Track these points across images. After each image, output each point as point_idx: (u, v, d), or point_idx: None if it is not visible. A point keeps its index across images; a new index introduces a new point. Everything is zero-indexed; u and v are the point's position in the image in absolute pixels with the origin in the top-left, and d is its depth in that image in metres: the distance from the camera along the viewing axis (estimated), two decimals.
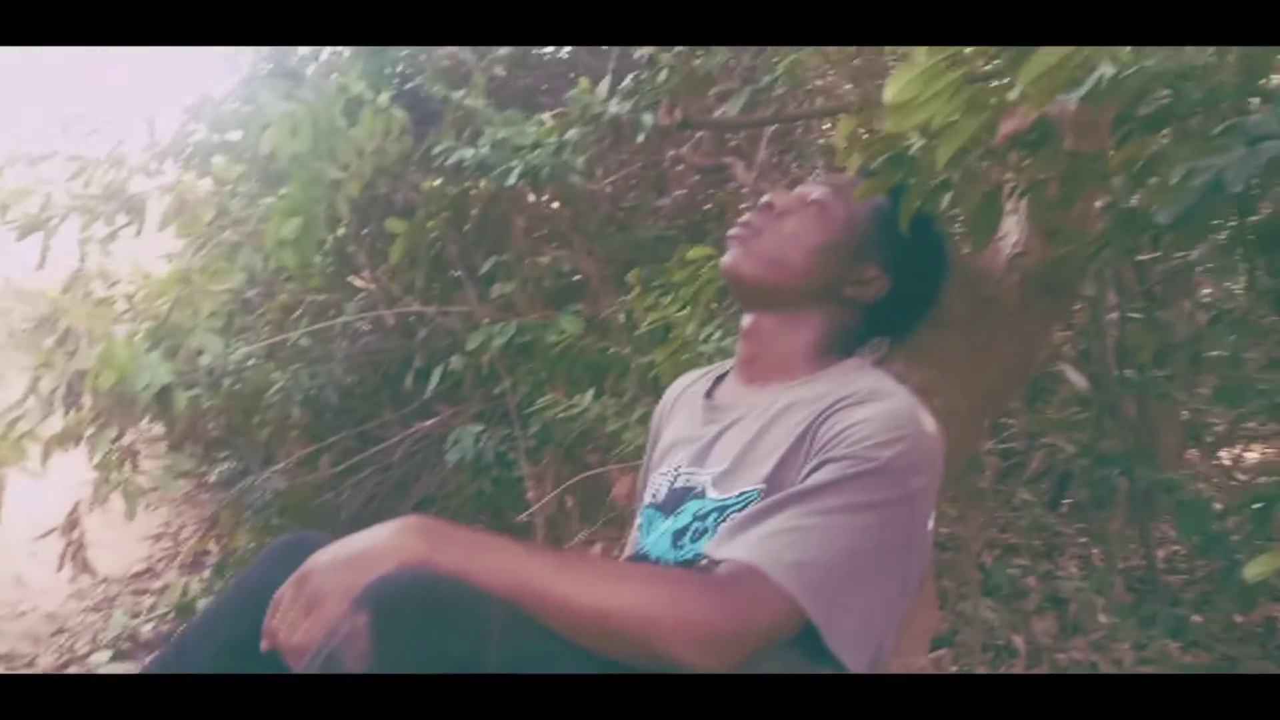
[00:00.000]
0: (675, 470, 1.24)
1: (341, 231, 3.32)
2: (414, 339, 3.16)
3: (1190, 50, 0.98)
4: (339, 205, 2.78)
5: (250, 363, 3.29)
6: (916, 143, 1.15)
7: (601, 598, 0.90)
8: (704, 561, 1.06)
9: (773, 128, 2.74)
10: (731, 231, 1.26)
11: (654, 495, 1.27)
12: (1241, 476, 2.94)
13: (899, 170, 1.18)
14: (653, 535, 1.22)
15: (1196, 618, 1.79)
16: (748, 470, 1.13)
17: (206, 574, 3.92)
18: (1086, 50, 0.82)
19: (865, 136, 1.15)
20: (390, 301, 3.07)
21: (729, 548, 1.01)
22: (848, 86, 2.01)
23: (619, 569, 1.03)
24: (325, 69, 3.26)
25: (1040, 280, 1.43)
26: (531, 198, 3.15)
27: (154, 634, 3.75)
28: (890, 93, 0.94)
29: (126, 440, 2.94)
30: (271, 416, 3.24)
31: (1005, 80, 0.96)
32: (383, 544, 0.88)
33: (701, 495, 1.16)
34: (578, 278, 3.04)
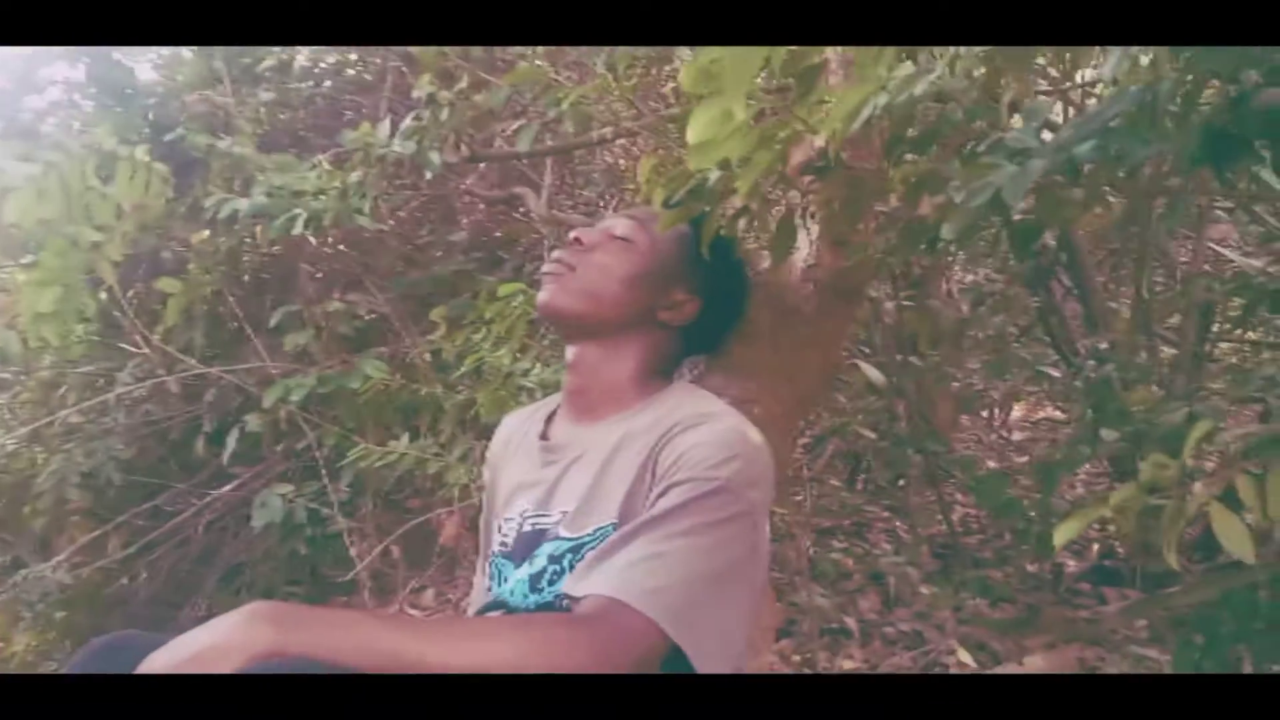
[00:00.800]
0: (521, 516, 1.24)
1: (103, 295, 3.07)
2: (200, 402, 2.96)
3: (948, 75, 1.09)
4: (101, 269, 2.57)
5: (9, 448, 2.98)
6: (714, 175, 1.21)
7: (473, 659, 0.88)
8: (564, 600, 1.06)
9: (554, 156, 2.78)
10: (545, 268, 1.28)
11: (502, 544, 1.26)
12: (1013, 435, 3.26)
13: (699, 201, 1.24)
14: (508, 583, 1.21)
15: (996, 574, 1.98)
16: (598, 506, 1.14)
17: None
18: (877, 88, 0.90)
19: (664, 172, 1.20)
20: (169, 365, 2.87)
21: (587, 583, 1.02)
22: (628, 113, 2.07)
23: (483, 626, 1.01)
24: (65, 125, 3.01)
25: (833, 288, 1.53)
26: (314, 242, 3.03)
27: None
28: (692, 134, 0.99)
29: None
30: (45, 504, 2.94)
31: (794, 116, 1.02)
32: (226, 638, 0.80)
33: (555, 537, 1.17)
34: (371, 315, 2.96)
